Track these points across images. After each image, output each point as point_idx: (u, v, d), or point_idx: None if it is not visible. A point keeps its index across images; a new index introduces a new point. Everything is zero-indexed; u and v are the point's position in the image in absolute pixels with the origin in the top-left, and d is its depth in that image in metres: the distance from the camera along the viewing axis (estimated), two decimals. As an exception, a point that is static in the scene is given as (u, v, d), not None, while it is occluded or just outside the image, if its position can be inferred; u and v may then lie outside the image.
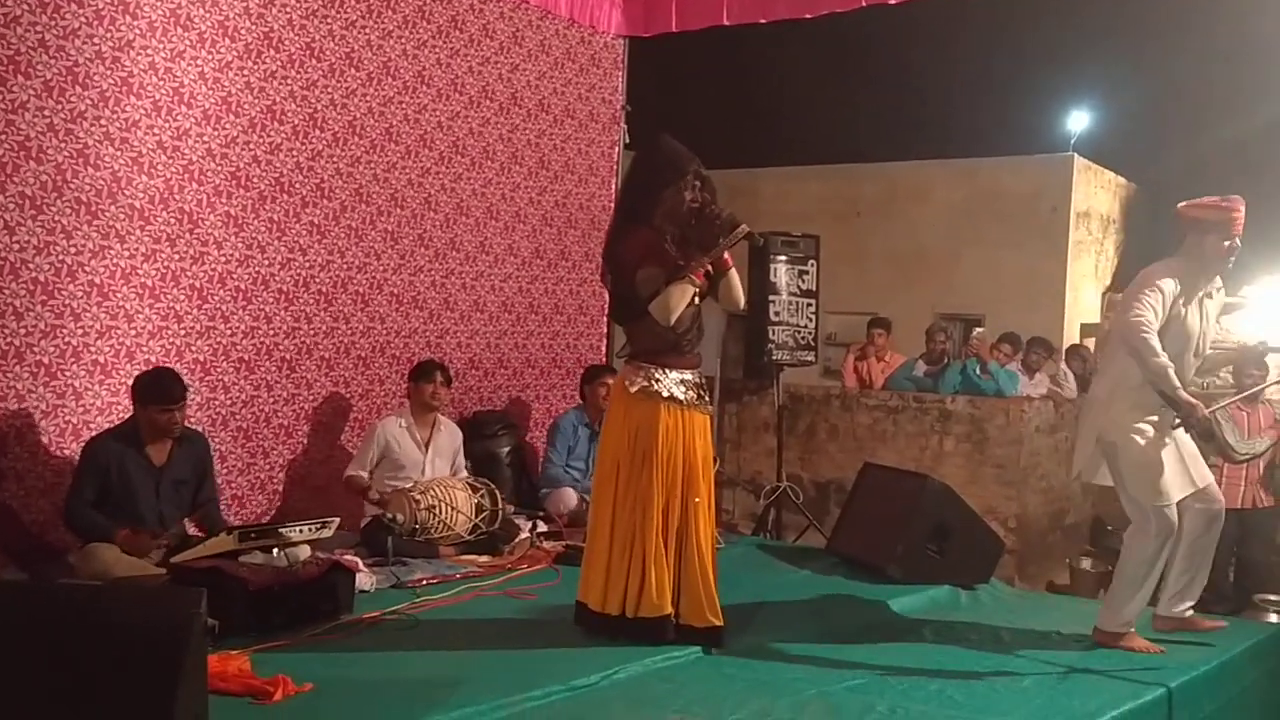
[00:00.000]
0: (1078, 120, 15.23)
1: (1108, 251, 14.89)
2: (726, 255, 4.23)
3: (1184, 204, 4.35)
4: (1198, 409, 4.18)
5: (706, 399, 4.30)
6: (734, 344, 8.47)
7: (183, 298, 5.32)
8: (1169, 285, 4.28)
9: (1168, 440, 4.30)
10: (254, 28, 5.53)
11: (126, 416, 4.88)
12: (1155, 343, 4.18)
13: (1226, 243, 4.28)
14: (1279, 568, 7.26)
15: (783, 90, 16.06)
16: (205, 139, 5.37)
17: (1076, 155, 14.07)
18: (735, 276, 4.30)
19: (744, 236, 4.11)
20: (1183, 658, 4.19)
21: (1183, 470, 4.31)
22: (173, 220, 5.25)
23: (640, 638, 4.05)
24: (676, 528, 4.13)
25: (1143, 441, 4.30)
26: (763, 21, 7.10)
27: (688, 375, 4.20)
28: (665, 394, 4.13)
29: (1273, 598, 6.85)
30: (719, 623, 4.15)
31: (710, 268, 4.20)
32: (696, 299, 4.16)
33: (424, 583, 4.87)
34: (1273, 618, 6.60)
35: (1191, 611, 4.45)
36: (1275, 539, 7.30)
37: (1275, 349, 7.36)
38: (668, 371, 4.15)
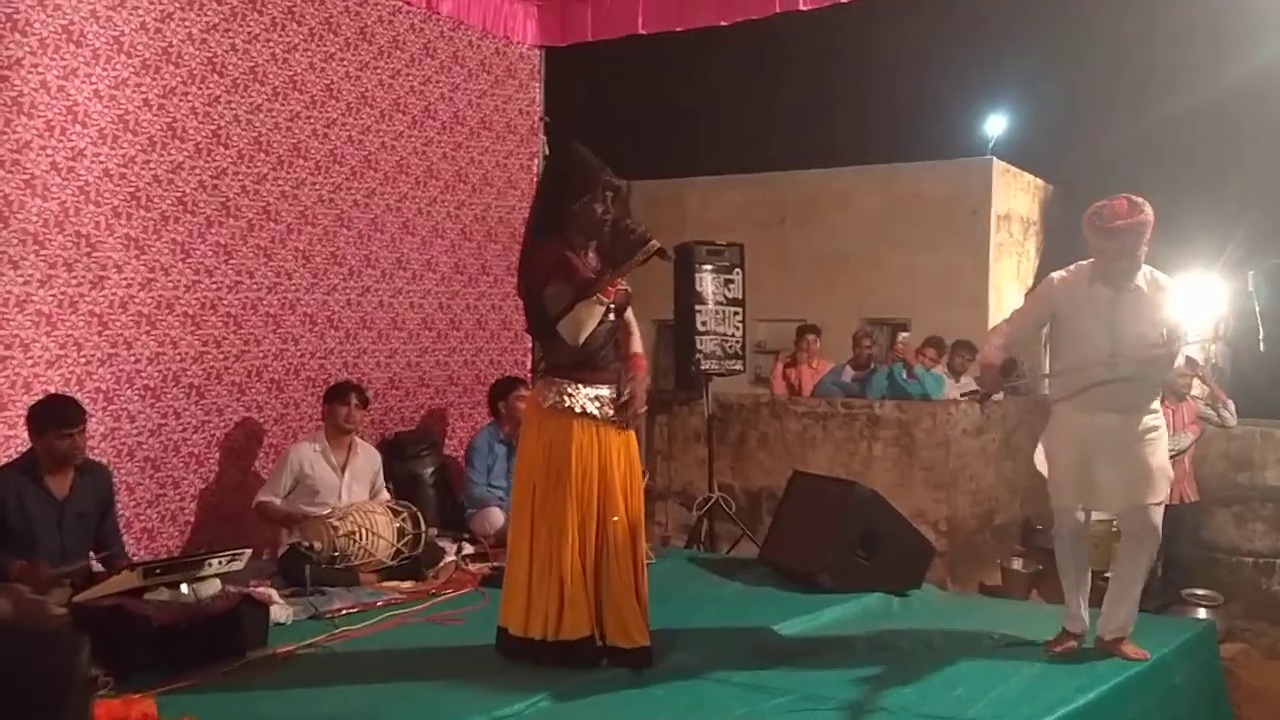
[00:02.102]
0: (995, 124, 15.39)
1: (1029, 253, 15.05)
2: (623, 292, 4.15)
3: (1085, 218, 4.20)
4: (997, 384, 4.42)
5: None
6: (663, 355, 8.41)
7: (81, 324, 5.11)
8: (1049, 287, 4.38)
9: (1086, 450, 4.20)
10: (151, 43, 5.34)
11: (24, 451, 4.67)
12: (992, 340, 4.50)
13: (1120, 262, 4.14)
14: (1206, 563, 7.34)
15: (705, 100, 16.07)
16: (102, 159, 5.17)
17: (995, 158, 14.22)
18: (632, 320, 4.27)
19: (655, 253, 4.02)
20: (1116, 658, 4.17)
21: (1080, 480, 4.22)
22: (69, 244, 5.05)
23: (563, 661, 3.94)
24: (595, 547, 4.02)
25: (1053, 438, 4.36)
26: (679, 29, 7.03)
27: (604, 391, 4.10)
28: (578, 409, 4.04)
29: (1200, 593, 6.92)
30: (645, 643, 4.04)
31: (625, 286, 4.12)
32: (610, 315, 4.06)
33: (343, 612, 4.71)
34: (1201, 613, 6.67)
35: (1116, 636, 4.28)
36: (1201, 535, 7.38)
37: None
38: (580, 387, 4.06)
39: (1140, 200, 4.12)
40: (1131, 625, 4.27)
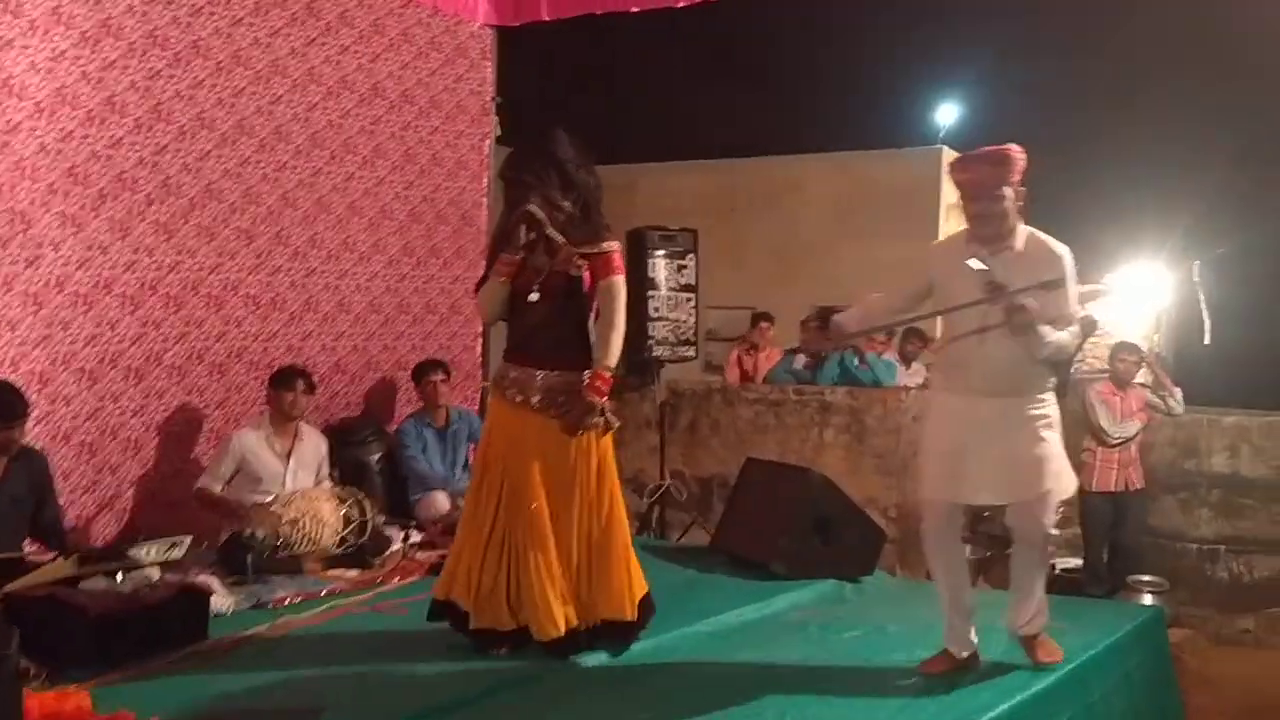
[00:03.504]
0: (946, 113, 15.46)
1: (978, 242, 15.14)
2: (580, 264, 3.98)
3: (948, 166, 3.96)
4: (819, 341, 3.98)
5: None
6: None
7: (15, 304, 4.93)
8: (926, 255, 4.13)
9: (962, 436, 3.78)
10: (90, 14, 5.16)
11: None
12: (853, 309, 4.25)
13: (964, 204, 3.83)
14: (1152, 549, 7.40)
15: (657, 86, 15.99)
16: (38, 134, 4.98)
17: (945, 147, 14.28)
18: (611, 284, 4.02)
19: (524, 219, 3.93)
20: (1069, 644, 4.15)
21: (950, 470, 3.80)
22: (2, 222, 4.86)
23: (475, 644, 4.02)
24: (502, 531, 3.99)
25: (928, 424, 4.05)
26: (634, 10, 6.92)
27: (534, 375, 4.01)
28: (501, 389, 4.07)
29: (1146, 578, 6.98)
30: (557, 633, 3.91)
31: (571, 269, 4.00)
32: (533, 297, 3.98)
33: (286, 601, 4.59)
34: (1147, 598, 6.72)
35: (1029, 632, 3.95)
36: (1147, 521, 7.44)
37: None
38: (509, 369, 4.07)
39: (1011, 146, 3.80)
40: (1044, 619, 3.94)
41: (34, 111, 4.97)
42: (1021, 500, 3.83)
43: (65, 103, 5.09)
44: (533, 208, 3.93)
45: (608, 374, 3.99)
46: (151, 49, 5.42)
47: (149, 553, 4.15)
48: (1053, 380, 3.88)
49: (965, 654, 3.90)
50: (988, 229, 3.77)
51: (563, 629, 3.92)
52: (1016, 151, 3.76)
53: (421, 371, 6.44)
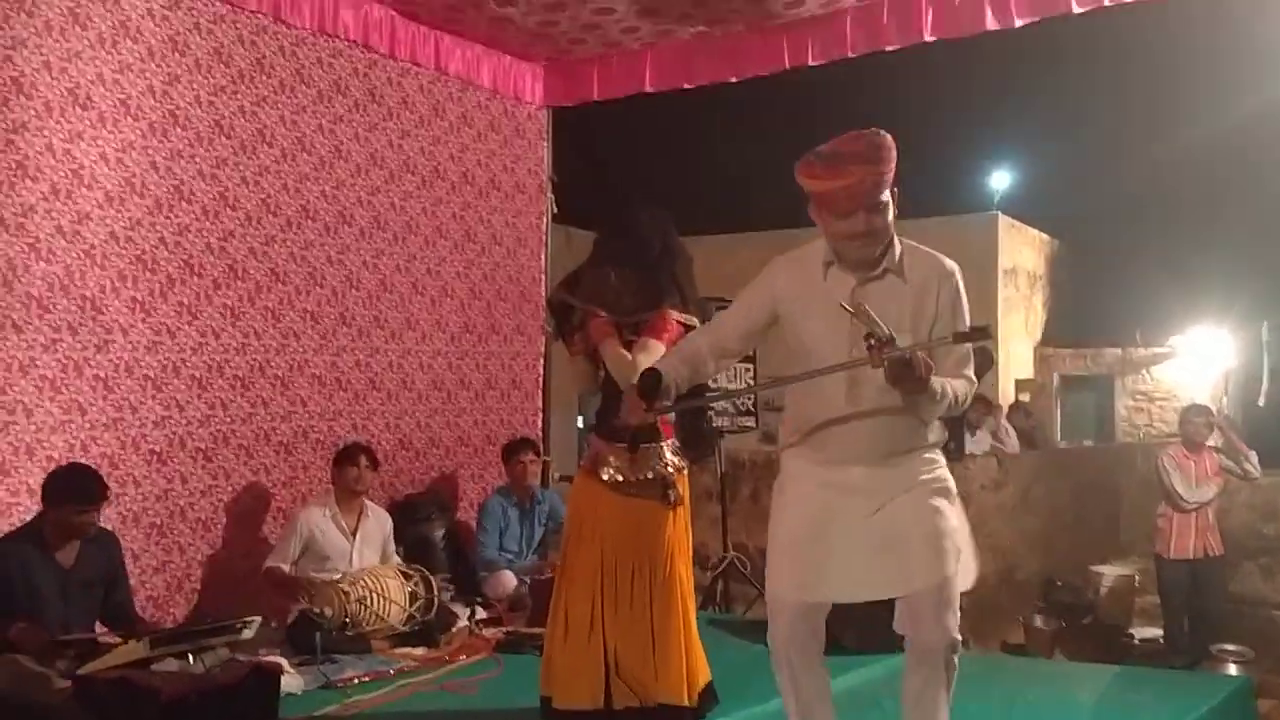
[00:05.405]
0: (1000, 179, 15.47)
1: (1036, 307, 15.02)
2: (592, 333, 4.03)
3: (797, 167, 3.00)
4: (635, 411, 3.04)
5: (639, 479, 3.97)
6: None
7: (86, 388, 5.02)
8: (769, 273, 3.13)
9: (822, 514, 2.97)
10: (158, 105, 5.31)
11: (27, 519, 4.56)
12: (683, 343, 3.30)
13: (825, 221, 2.92)
14: (1234, 616, 7.18)
15: (711, 158, 16.14)
16: (108, 222, 5.11)
17: (1001, 214, 14.24)
18: (607, 351, 3.95)
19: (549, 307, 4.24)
20: (1155, 718, 4.02)
21: (807, 559, 2.97)
22: (74, 308, 4.97)
23: None
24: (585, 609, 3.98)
25: (778, 498, 3.13)
26: (687, 87, 7.01)
27: (610, 448, 4.00)
28: (582, 462, 4.16)
29: (1230, 648, 6.76)
30: (566, 706, 3.92)
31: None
32: (601, 374, 4.06)
33: (355, 681, 4.56)
34: (1232, 669, 6.50)
35: None
36: (1228, 588, 7.23)
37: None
38: (593, 441, 4.10)
39: (877, 130, 2.88)
40: None
41: (104, 201, 5.10)
42: (916, 591, 2.94)
43: (134, 192, 5.22)
44: (558, 294, 4.12)
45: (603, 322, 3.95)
46: (218, 138, 5.56)
47: (220, 633, 4.14)
48: (940, 435, 3.08)
49: None
50: (866, 252, 2.90)
51: (578, 703, 3.89)
52: (888, 138, 2.86)
53: (511, 451, 6.48)
